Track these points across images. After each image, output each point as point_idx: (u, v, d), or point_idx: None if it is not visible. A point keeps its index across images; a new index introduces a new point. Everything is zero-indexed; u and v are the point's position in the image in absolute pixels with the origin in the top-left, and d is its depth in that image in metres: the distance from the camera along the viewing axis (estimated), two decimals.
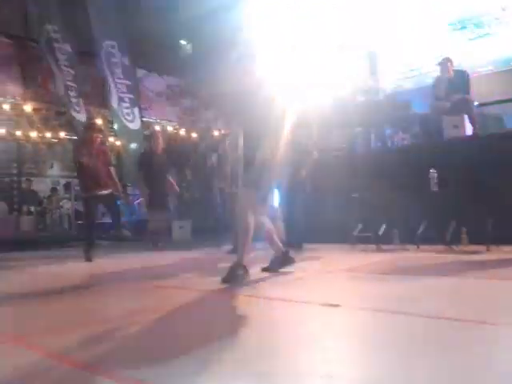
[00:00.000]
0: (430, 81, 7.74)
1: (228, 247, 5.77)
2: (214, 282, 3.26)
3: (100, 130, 6.23)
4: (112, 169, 6.15)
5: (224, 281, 3.20)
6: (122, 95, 9.58)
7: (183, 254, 6.01)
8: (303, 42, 7.87)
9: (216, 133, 11.72)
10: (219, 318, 2.37)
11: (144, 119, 10.22)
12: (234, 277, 3.23)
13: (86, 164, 5.73)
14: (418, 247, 4.99)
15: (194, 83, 11.94)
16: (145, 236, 7.21)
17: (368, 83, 8.65)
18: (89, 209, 6.03)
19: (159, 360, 1.70)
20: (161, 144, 7.21)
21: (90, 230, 6.04)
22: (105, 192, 5.87)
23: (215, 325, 2.22)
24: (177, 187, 7.53)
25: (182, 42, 14.24)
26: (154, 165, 6.95)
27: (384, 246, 5.24)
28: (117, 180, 6.14)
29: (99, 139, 6.03)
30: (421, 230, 5.02)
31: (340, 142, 6.92)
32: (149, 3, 12.69)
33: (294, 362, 1.64)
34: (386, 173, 5.61)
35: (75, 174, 5.93)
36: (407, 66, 9.18)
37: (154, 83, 11.23)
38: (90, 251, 5.69)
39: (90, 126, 6.28)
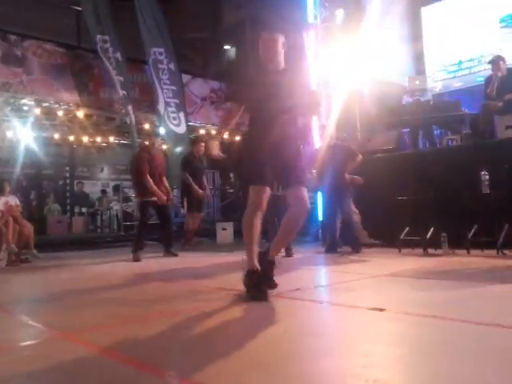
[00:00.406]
0: (481, 80, 7.47)
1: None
2: None
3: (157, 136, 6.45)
4: (164, 178, 6.37)
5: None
6: (169, 100, 9.81)
7: (225, 255, 6.07)
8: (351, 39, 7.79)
9: None
10: (264, 319, 2.38)
11: (189, 123, 10.42)
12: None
13: (146, 171, 5.94)
14: (469, 252, 4.81)
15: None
16: (184, 237, 7.35)
17: (415, 83, 8.44)
18: (143, 212, 6.24)
19: (207, 359, 1.73)
20: (202, 149, 7.34)
21: (141, 232, 6.24)
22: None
23: (260, 326, 2.23)
24: (208, 192, 7.63)
25: (226, 46, 14.44)
26: (194, 168, 7.17)
27: (432, 251, 5.08)
28: (169, 189, 6.37)
29: (157, 144, 6.31)
30: (471, 234, 4.83)
31: (386, 143, 6.78)
32: (194, 10, 12.97)
33: (339, 364, 1.63)
34: (435, 174, 5.44)
35: (130, 176, 6.02)
36: (456, 65, 8.89)
37: (198, 88, 11.43)
38: (138, 251, 5.88)
39: (148, 134, 6.65)
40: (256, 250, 2.89)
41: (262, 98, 2.98)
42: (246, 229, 2.89)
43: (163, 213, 6.32)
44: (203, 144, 7.41)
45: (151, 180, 5.97)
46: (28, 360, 1.84)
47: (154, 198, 6.03)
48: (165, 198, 6.10)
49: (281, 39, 3.08)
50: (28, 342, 2.14)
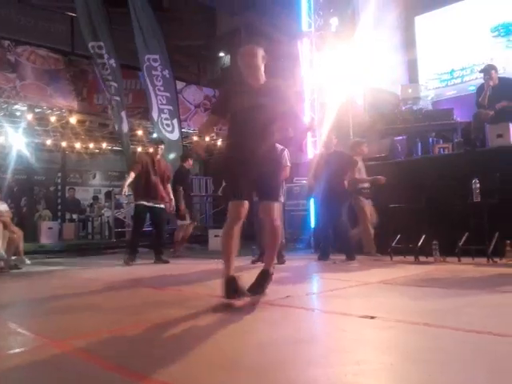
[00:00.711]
0: (472, 88, 7.54)
1: (253, 257, 5.72)
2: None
3: (161, 143, 6.52)
4: (169, 186, 6.37)
5: (250, 290, 3.00)
6: (162, 107, 9.80)
7: (216, 262, 6.00)
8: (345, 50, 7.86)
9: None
10: (254, 326, 2.37)
11: (183, 130, 10.42)
12: (262, 286, 3.09)
13: (133, 169, 6.00)
14: (459, 260, 4.81)
15: None
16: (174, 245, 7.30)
17: (408, 91, 8.51)
18: (137, 216, 6.25)
19: (196, 366, 1.73)
20: (191, 164, 7.53)
21: (135, 237, 6.27)
22: (156, 205, 6.12)
23: (250, 333, 2.21)
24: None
25: (221, 54, 14.51)
26: (187, 182, 7.31)
27: (423, 258, 5.09)
28: (172, 198, 6.36)
29: (160, 149, 6.28)
30: (462, 241, 4.84)
31: (379, 151, 6.80)
32: (189, 18, 13.04)
33: (330, 372, 1.61)
34: (427, 182, 5.47)
35: (129, 180, 6.03)
36: (448, 74, 8.97)
37: (192, 95, 11.45)
38: (130, 256, 5.93)
39: (154, 141, 6.75)
40: (232, 259, 2.96)
41: (239, 111, 3.02)
42: (223, 239, 2.98)
43: (156, 219, 6.28)
44: (191, 160, 7.47)
45: (132, 175, 5.96)
46: (16, 368, 1.81)
47: (153, 204, 6.06)
48: (172, 206, 6.27)
49: (260, 53, 3.09)
50: (16, 350, 2.10)
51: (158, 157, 6.25)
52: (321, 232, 6.07)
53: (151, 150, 6.53)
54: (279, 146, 5.50)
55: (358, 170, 5.81)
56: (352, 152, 5.93)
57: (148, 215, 6.33)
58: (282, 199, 4.93)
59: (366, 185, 5.90)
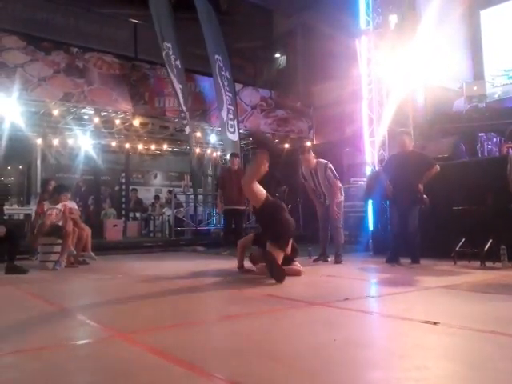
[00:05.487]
0: None
1: (313, 257, 5.91)
2: (305, 292, 3.24)
3: (237, 156, 7.94)
4: None
5: None
6: (229, 107, 10.00)
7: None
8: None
9: (308, 143, 11.75)
10: (313, 328, 2.37)
11: (240, 131, 10.56)
12: None
13: (223, 183, 7.40)
14: None
15: (288, 95, 12.12)
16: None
17: (473, 89, 8.15)
18: (225, 218, 7.78)
19: (256, 363, 1.76)
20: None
21: (225, 233, 7.67)
22: (236, 207, 7.34)
23: (309, 334, 2.22)
24: None
25: (277, 55, 14.53)
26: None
27: (489, 263, 4.85)
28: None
29: (237, 161, 7.60)
30: None
31: (441, 151, 6.53)
32: (246, 20, 13.18)
33: (390, 376, 1.60)
34: (493, 184, 5.20)
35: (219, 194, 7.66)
36: None
37: (249, 96, 11.55)
38: (224, 248, 7.28)
39: (231, 155, 8.02)
40: None
41: None
42: None
43: (236, 219, 7.50)
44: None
45: (220, 191, 7.59)
46: (82, 357, 1.93)
47: (233, 207, 7.29)
48: (220, 205, 7.53)
49: None
50: (85, 341, 2.23)
51: (235, 167, 7.44)
52: (392, 234, 5.66)
53: (230, 159, 7.90)
54: (322, 161, 5.60)
55: None
56: None
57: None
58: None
59: None
